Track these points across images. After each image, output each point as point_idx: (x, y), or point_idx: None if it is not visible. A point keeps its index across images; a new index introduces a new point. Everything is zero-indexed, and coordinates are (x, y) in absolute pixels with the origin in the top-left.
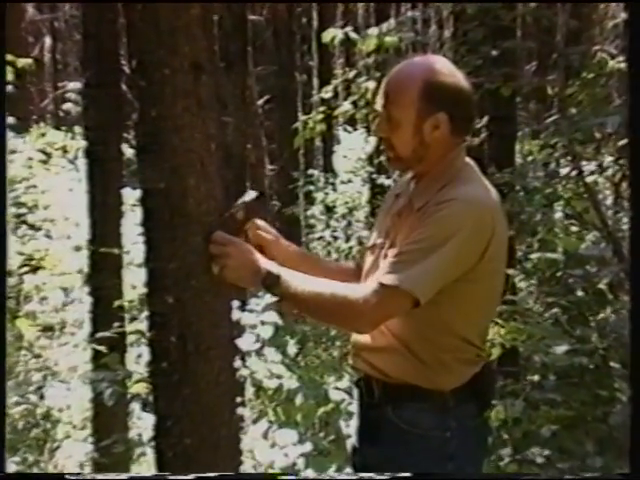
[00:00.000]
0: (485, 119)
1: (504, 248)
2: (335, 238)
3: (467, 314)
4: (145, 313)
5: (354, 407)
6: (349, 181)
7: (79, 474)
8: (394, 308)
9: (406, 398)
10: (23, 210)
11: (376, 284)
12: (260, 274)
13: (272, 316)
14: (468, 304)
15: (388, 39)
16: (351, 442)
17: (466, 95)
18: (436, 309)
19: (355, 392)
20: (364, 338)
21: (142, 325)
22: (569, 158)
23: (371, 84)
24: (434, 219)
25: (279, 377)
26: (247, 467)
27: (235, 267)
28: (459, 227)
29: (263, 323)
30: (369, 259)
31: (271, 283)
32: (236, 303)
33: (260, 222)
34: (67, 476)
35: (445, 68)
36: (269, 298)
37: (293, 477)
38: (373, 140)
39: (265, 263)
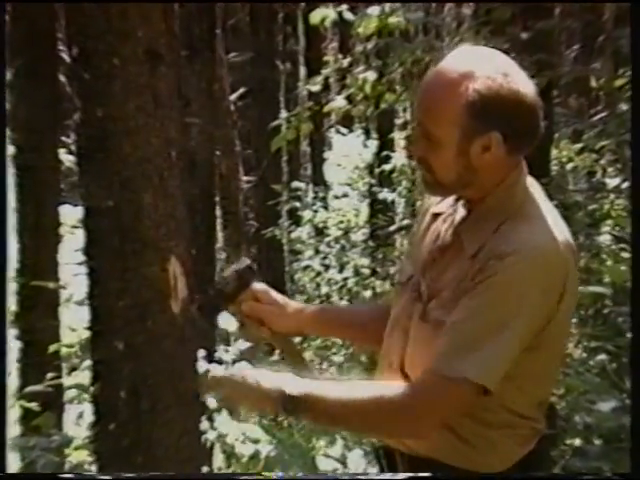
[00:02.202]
0: None
1: (574, 303)
2: (326, 267)
3: (523, 386)
4: (88, 362)
5: None
6: (344, 196)
7: (77, 474)
8: (460, 403)
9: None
10: None
11: (434, 376)
12: (272, 399)
13: (246, 366)
14: (525, 375)
15: (392, 20)
16: None
17: (528, 106)
18: None
19: (373, 462)
20: None
21: (84, 377)
22: (618, 166)
23: (370, 75)
24: (496, 285)
25: (255, 441)
26: None
27: (237, 398)
28: (527, 292)
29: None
30: (401, 299)
31: (293, 407)
32: (202, 351)
33: (259, 288)
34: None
35: (501, 70)
36: (241, 344)
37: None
38: (373, 144)
39: (274, 383)
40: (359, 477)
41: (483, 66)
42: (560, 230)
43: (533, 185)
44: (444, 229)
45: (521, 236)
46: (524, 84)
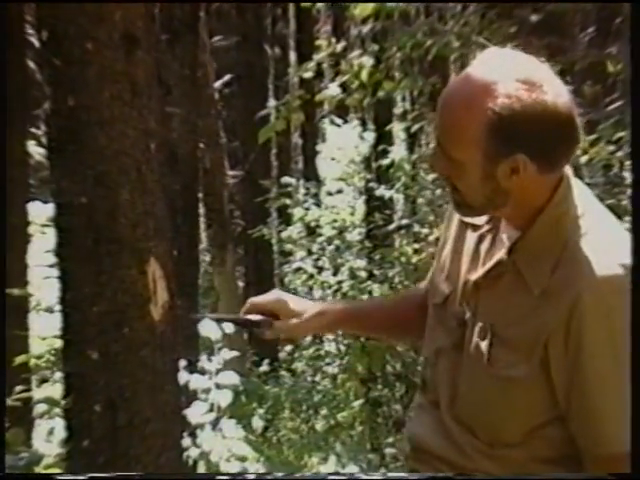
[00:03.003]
0: None
1: None
2: (319, 269)
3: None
4: (59, 374)
5: None
6: (338, 192)
7: (72, 473)
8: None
9: None
10: None
11: (610, 460)
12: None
13: (231, 377)
14: None
15: (390, 2)
16: None
17: (558, 121)
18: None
19: None
20: (440, 446)
21: (55, 390)
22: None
23: (367, 60)
24: (597, 347)
25: (242, 459)
26: None
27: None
28: (624, 341)
29: (219, 387)
30: (440, 324)
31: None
32: (183, 361)
33: (275, 305)
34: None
35: (528, 82)
36: (226, 353)
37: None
38: (370, 136)
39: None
40: (359, 477)
41: (506, 78)
42: (622, 246)
43: (582, 192)
44: (485, 249)
45: (600, 271)
46: (554, 95)
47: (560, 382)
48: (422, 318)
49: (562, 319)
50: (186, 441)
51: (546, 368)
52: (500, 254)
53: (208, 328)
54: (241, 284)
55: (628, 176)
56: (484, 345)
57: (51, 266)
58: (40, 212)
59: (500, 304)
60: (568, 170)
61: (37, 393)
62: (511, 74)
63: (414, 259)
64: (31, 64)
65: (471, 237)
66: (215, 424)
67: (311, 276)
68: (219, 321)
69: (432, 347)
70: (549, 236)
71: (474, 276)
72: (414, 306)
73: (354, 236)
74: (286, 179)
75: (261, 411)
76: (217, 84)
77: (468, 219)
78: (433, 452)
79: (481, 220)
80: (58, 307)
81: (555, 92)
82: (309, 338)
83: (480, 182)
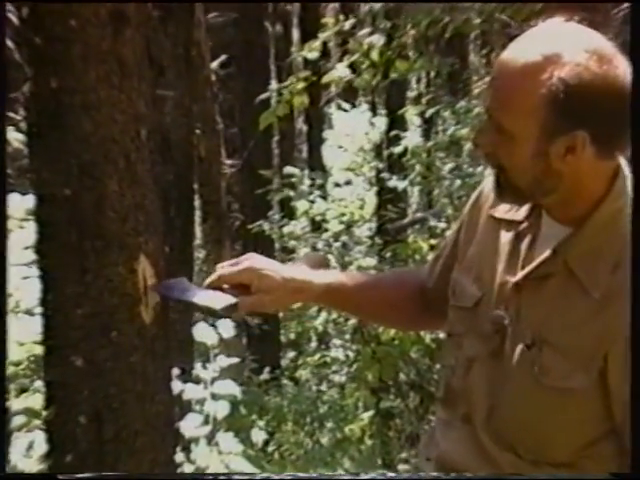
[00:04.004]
0: None
1: None
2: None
3: None
4: (40, 383)
5: None
6: (346, 183)
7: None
8: None
9: None
10: None
11: None
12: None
13: (228, 386)
14: None
15: (390, 2)
16: None
17: (626, 100)
18: None
19: None
20: (474, 466)
21: (35, 400)
22: None
23: (378, 39)
24: None
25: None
26: None
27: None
28: None
29: (215, 397)
30: (471, 330)
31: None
32: (176, 369)
33: (244, 274)
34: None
35: (596, 54)
36: (221, 360)
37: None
38: (381, 122)
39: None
40: (360, 477)
41: (573, 48)
42: None
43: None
44: (525, 248)
45: None
46: (624, 72)
47: (621, 394)
48: (415, 304)
49: (626, 326)
50: (179, 456)
51: (604, 378)
52: (545, 253)
53: (204, 333)
54: None
55: None
56: (533, 353)
57: (30, 264)
58: (18, 205)
59: (548, 308)
60: (623, 160)
61: (15, 404)
62: (579, 44)
63: (430, 257)
64: (9, 43)
65: (507, 235)
66: (211, 438)
67: None
68: (179, 302)
69: (462, 355)
70: (607, 232)
71: (514, 278)
72: (409, 290)
73: (363, 232)
74: (289, 169)
75: (261, 423)
76: (213, 64)
77: (498, 212)
78: (465, 473)
79: (519, 215)
80: (38, 309)
81: (624, 69)
82: (314, 344)
83: (530, 160)
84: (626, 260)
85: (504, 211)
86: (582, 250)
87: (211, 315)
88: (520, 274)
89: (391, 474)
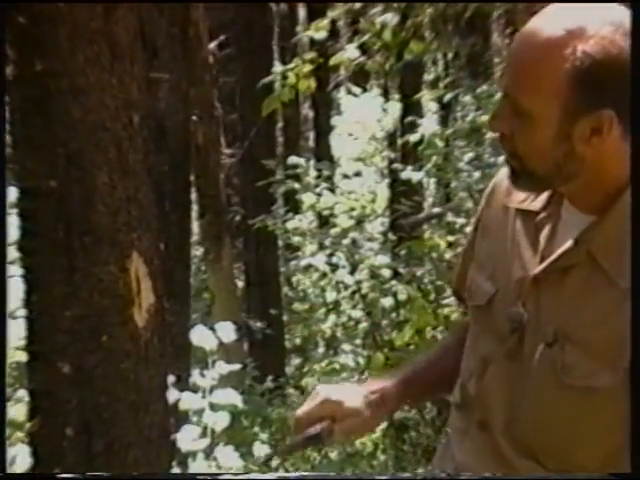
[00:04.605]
0: None
1: None
2: (333, 267)
3: None
4: (23, 391)
5: None
6: (356, 174)
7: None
8: None
9: None
10: None
11: None
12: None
13: (228, 396)
14: None
15: (393, 2)
16: None
17: None
18: None
19: None
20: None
21: (18, 411)
22: None
23: (391, 17)
24: None
25: None
26: None
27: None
28: None
29: (214, 407)
30: (486, 329)
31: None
32: (172, 376)
33: (327, 407)
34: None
35: (622, 28)
36: (221, 368)
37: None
38: (395, 107)
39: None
40: (360, 477)
41: (598, 21)
42: None
43: None
44: (544, 238)
45: None
46: None
47: None
48: None
49: None
50: (175, 471)
51: None
52: (567, 244)
53: (202, 337)
54: (240, 284)
55: None
56: (554, 351)
57: (13, 262)
58: None
59: (570, 302)
60: None
61: None
62: (604, 17)
63: (447, 255)
64: None
65: (523, 227)
66: (209, 452)
67: (324, 275)
68: (289, 452)
69: (477, 356)
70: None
71: (532, 271)
72: (453, 354)
73: (375, 227)
74: (294, 159)
75: (264, 436)
76: (212, 45)
77: (513, 202)
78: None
79: (536, 205)
80: (22, 311)
81: None
82: (321, 350)
83: (551, 143)
84: None
85: (520, 201)
86: (606, 239)
87: (314, 444)
88: (539, 267)
89: (392, 474)
